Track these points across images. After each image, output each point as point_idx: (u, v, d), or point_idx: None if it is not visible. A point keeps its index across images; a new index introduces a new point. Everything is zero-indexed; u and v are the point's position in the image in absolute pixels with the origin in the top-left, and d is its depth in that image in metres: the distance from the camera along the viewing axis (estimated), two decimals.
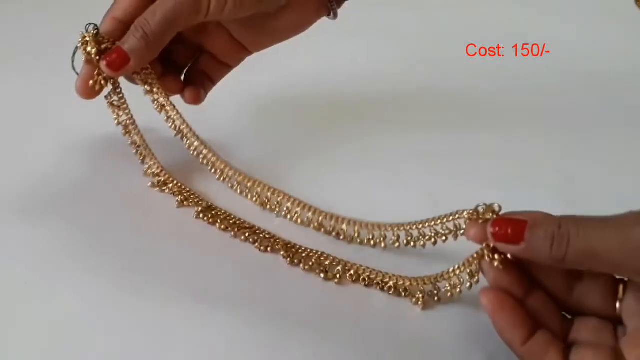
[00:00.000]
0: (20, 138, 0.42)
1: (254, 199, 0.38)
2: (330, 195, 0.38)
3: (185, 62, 0.41)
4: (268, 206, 0.37)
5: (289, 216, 0.37)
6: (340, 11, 0.40)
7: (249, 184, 0.37)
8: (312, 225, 0.36)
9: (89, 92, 0.37)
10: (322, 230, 0.36)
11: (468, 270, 0.30)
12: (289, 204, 0.37)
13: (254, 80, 0.46)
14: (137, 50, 0.35)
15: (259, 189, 0.37)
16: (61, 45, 0.39)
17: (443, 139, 0.43)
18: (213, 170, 0.38)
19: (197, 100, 0.40)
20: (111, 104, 0.38)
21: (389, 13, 0.59)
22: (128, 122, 0.39)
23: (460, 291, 0.31)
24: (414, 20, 0.58)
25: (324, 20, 0.40)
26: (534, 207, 0.33)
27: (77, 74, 0.37)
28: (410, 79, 0.50)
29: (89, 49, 0.36)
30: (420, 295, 0.32)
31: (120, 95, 0.38)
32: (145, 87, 0.37)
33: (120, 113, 0.39)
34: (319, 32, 0.40)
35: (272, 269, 0.34)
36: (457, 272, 0.31)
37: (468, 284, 0.31)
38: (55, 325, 0.29)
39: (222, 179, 0.38)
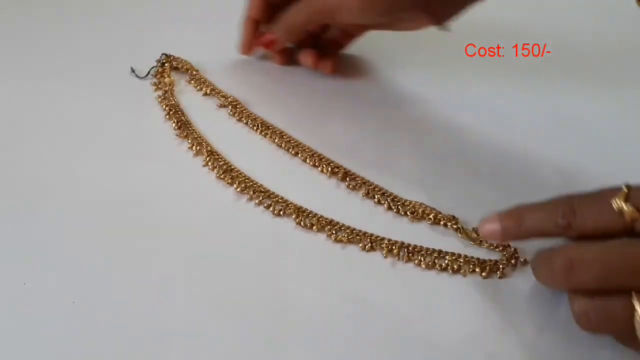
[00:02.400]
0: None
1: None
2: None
3: (317, 32, 0.50)
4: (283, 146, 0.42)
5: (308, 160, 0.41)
6: None
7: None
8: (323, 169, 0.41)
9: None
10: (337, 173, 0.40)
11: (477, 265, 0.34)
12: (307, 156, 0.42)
13: None
14: (282, 37, 0.47)
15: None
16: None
17: (442, 139, 0.43)
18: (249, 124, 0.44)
19: (333, 71, 0.48)
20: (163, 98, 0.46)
21: None
22: (175, 108, 0.45)
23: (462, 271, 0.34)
24: None
25: None
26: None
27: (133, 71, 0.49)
28: (408, 79, 0.50)
29: (166, 80, 0.47)
30: (421, 260, 0.35)
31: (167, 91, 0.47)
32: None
33: (166, 102, 0.46)
34: None
35: (283, 231, 0.36)
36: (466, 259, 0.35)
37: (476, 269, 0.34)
38: None
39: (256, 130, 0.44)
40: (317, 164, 0.41)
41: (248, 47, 0.49)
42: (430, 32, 0.44)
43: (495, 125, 0.45)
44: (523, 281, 0.34)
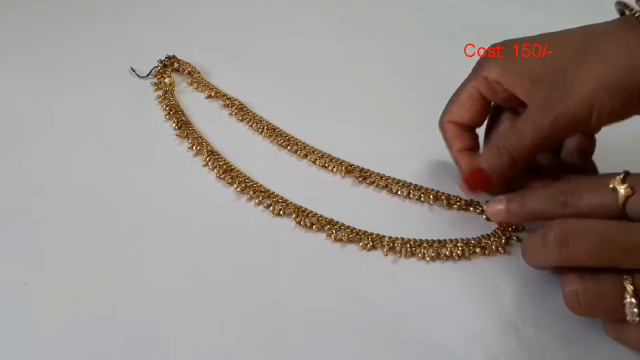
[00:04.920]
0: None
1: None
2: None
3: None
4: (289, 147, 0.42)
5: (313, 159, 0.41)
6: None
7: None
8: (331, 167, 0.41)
9: None
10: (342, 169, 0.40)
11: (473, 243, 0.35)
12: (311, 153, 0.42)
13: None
14: (503, 172, 0.34)
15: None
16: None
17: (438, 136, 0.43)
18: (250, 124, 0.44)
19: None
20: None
21: (385, 13, 0.59)
22: (175, 108, 0.45)
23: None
24: (413, 20, 0.58)
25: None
26: None
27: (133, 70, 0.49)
28: (407, 79, 0.50)
29: (166, 80, 0.47)
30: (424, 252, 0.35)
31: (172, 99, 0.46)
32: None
33: (166, 102, 0.46)
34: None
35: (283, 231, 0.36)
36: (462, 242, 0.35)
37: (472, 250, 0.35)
38: None
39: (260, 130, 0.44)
40: (326, 165, 0.41)
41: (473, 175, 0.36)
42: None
43: None
44: (523, 275, 0.34)
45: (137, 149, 0.42)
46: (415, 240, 0.36)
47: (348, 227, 0.36)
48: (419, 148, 0.42)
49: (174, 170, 0.40)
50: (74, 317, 0.31)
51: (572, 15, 0.59)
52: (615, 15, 0.34)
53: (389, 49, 0.54)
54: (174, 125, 0.43)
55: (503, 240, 0.35)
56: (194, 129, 0.43)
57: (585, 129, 0.33)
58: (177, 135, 0.43)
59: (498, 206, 0.34)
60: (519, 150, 0.33)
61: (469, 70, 0.51)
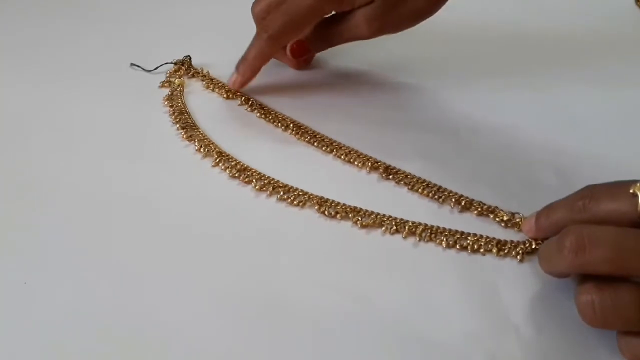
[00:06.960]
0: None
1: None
2: None
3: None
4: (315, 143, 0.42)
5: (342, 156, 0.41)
6: None
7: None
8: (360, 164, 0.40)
9: None
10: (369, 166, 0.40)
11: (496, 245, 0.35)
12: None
13: None
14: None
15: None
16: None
17: (441, 138, 0.43)
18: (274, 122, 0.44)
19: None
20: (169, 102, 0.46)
21: None
22: (180, 109, 0.45)
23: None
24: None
25: None
26: (533, 207, 0.34)
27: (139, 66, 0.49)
28: (412, 80, 0.49)
29: (176, 81, 0.47)
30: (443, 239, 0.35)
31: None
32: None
33: (171, 102, 0.46)
34: None
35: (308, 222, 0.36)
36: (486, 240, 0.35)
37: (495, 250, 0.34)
38: None
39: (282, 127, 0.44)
40: (352, 160, 0.40)
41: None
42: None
43: (496, 126, 0.45)
44: (525, 277, 0.33)
45: (142, 150, 0.41)
46: (437, 227, 0.35)
47: (372, 212, 0.36)
48: (413, 151, 0.42)
49: (180, 171, 0.39)
50: (74, 317, 0.30)
51: (569, 16, 0.59)
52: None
53: (390, 47, 0.54)
54: (177, 126, 0.43)
55: (530, 250, 0.34)
56: (200, 132, 0.42)
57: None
58: (181, 135, 0.42)
59: (530, 222, 0.34)
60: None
61: (469, 71, 0.51)
